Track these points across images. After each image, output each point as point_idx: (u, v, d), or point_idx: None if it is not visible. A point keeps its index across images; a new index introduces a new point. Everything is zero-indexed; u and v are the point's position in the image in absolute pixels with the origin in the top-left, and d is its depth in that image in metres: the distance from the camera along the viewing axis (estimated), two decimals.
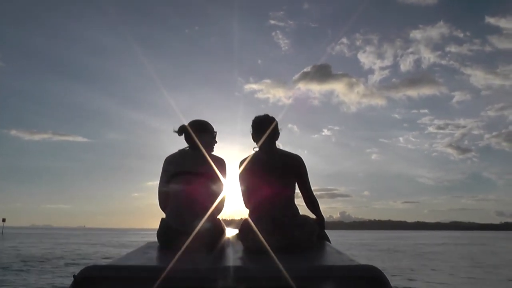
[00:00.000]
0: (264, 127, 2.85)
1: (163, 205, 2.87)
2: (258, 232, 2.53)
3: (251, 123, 2.93)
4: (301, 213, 2.79)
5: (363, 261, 2.04)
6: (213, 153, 2.97)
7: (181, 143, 2.99)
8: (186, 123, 2.98)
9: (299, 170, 2.84)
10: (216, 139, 3.02)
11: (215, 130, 3.02)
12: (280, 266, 1.96)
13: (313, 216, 2.93)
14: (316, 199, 2.94)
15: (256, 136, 2.89)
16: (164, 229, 2.69)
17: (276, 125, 2.90)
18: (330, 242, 2.93)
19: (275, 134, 2.89)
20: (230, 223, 2.94)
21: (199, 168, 2.78)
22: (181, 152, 2.92)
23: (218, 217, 2.83)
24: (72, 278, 1.84)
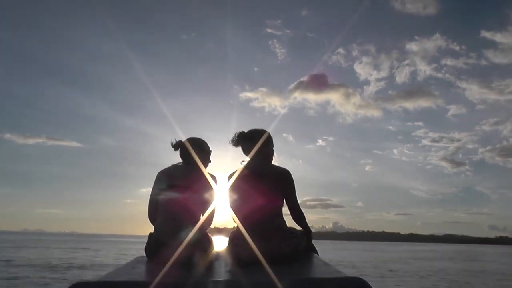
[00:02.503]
0: (256, 139, 2.86)
1: (152, 218, 2.88)
2: (247, 245, 2.53)
3: (237, 134, 2.92)
4: (288, 225, 2.81)
5: (350, 273, 2.05)
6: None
7: (175, 152, 3.00)
8: (180, 131, 3.04)
9: (287, 183, 2.85)
10: (210, 159, 3.02)
11: (210, 149, 3.04)
12: (269, 279, 1.96)
13: (299, 228, 2.94)
14: (302, 212, 2.96)
15: (247, 148, 2.89)
16: (153, 243, 2.68)
17: (268, 138, 2.91)
18: (317, 254, 2.95)
19: (266, 148, 2.89)
20: (223, 231, 2.93)
21: (191, 183, 2.78)
22: (175, 166, 2.94)
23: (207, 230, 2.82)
24: None
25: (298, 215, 2.92)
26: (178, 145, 2.96)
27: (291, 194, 2.87)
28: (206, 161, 2.99)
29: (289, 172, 2.88)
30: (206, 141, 3.05)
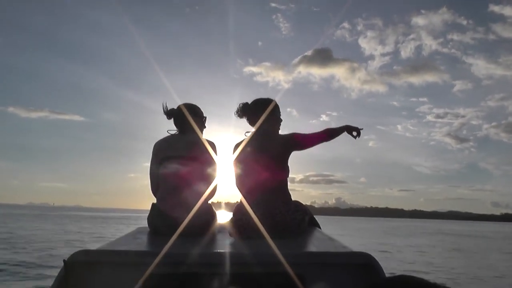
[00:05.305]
0: (262, 108, 2.79)
1: (154, 189, 2.86)
2: (251, 218, 2.51)
3: (241, 105, 2.84)
4: (293, 198, 2.77)
5: (355, 248, 2.04)
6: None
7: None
8: (176, 107, 2.92)
9: (295, 137, 2.72)
10: (205, 125, 2.99)
11: (204, 115, 2.98)
12: (273, 251, 1.95)
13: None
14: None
15: (253, 118, 2.82)
16: (155, 214, 2.68)
17: (274, 107, 2.83)
18: (320, 228, 2.94)
19: (273, 117, 2.84)
20: (226, 206, 2.90)
21: (190, 152, 2.75)
22: (172, 136, 2.89)
23: (209, 201, 2.80)
24: (62, 263, 1.82)
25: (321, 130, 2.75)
26: (172, 113, 2.88)
27: (302, 134, 2.73)
28: (201, 127, 2.94)
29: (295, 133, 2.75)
30: (207, 116, 3.00)
